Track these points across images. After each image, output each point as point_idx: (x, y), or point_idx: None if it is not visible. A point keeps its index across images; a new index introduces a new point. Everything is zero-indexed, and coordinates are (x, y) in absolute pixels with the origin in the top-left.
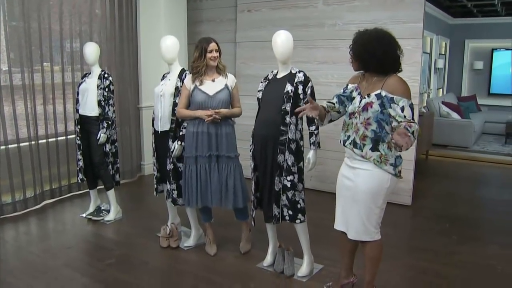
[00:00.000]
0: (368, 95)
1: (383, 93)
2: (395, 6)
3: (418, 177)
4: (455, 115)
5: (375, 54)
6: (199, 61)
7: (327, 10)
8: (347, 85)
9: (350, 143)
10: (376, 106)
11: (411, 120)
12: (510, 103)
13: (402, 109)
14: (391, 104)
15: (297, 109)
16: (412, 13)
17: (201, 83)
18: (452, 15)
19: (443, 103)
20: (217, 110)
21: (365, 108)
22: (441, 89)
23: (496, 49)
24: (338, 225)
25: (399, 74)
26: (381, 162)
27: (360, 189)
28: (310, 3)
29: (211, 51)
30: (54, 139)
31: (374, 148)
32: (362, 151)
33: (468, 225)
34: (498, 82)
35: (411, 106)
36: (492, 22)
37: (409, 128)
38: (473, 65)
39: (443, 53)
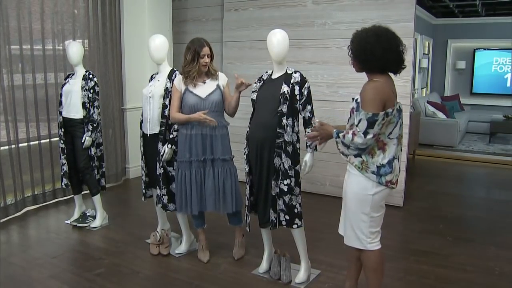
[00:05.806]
0: (353, 99)
1: (359, 99)
2: (386, 5)
3: (407, 178)
4: (441, 115)
5: (374, 53)
6: (191, 65)
7: (316, 9)
8: None
9: None
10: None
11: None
12: (493, 102)
13: (359, 121)
14: (357, 113)
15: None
16: (403, 13)
17: (193, 86)
18: (434, 15)
19: (428, 102)
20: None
21: (350, 114)
22: (424, 89)
23: (478, 49)
24: (340, 229)
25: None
26: (362, 169)
27: (347, 193)
28: (299, 2)
29: (203, 56)
30: (36, 142)
31: (358, 154)
32: (347, 157)
33: (461, 225)
34: (480, 81)
35: (370, 120)
36: (474, 22)
37: (342, 139)
38: (456, 64)
39: (426, 53)
